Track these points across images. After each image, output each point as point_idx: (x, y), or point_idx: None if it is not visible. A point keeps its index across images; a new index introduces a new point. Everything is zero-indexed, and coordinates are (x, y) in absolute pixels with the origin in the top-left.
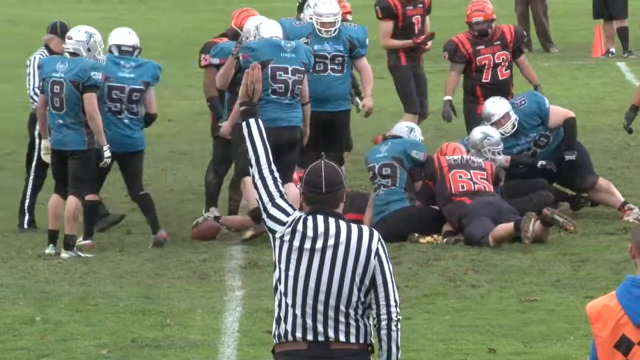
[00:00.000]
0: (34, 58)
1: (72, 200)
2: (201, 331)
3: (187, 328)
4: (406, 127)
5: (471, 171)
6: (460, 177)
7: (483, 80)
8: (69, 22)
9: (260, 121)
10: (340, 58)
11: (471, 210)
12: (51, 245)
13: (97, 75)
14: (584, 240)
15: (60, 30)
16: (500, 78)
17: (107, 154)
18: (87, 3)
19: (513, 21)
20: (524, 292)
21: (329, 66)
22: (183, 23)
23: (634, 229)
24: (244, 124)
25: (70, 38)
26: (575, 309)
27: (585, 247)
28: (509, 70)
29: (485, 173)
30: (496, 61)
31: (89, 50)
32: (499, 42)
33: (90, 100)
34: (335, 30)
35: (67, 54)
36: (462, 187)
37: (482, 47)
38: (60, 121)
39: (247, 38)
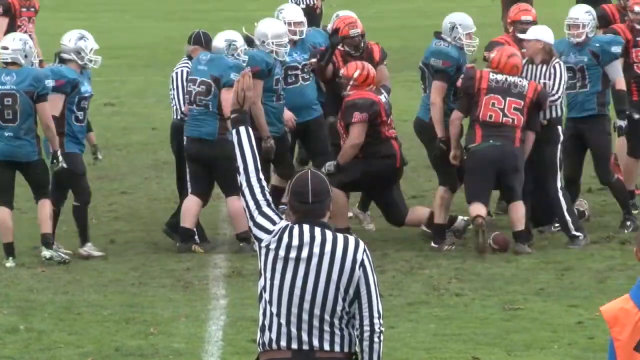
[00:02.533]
0: (180, 71)
1: (44, 203)
2: (185, 340)
3: (171, 337)
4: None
5: (507, 99)
6: (493, 104)
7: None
8: (51, 31)
9: (250, 130)
10: (309, 66)
11: (471, 162)
12: (10, 258)
13: (51, 83)
14: (568, 249)
15: (204, 40)
16: None
17: (61, 158)
18: (69, 12)
19: (499, 31)
20: (507, 300)
21: (300, 75)
22: (167, 32)
23: (638, 234)
24: (233, 131)
25: (6, 48)
26: (559, 318)
27: (568, 255)
28: None
29: (522, 102)
30: None
31: (25, 57)
32: None
33: (45, 109)
34: (300, 37)
35: (3, 65)
36: (490, 116)
37: None
38: (11, 133)
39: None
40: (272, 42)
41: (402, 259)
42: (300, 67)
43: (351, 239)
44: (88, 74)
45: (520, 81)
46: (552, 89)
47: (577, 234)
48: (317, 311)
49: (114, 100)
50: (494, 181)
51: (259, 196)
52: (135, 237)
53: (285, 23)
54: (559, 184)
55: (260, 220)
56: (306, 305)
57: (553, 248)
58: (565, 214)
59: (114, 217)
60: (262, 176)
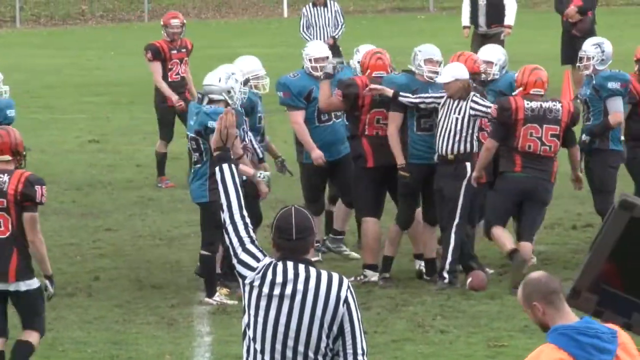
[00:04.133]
0: None
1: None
2: None
3: None
4: None
5: (544, 126)
6: (531, 134)
7: None
8: (36, 68)
9: (233, 167)
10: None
11: (504, 185)
12: None
13: (13, 113)
14: None
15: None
16: None
17: None
18: (56, 48)
19: None
20: (492, 337)
21: (333, 113)
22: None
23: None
24: (217, 169)
25: None
26: None
27: None
28: None
29: (558, 128)
30: None
31: None
32: None
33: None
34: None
35: None
36: (529, 147)
37: None
38: None
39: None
40: (251, 78)
41: (386, 296)
42: None
43: (335, 276)
44: None
45: (554, 105)
46: (460, 124)
47: (445, 275)
48: (301, 348)
49: (98, 137)
50: (517, 211)
51: (243, 233)
52: (120, 274)
53: (308, 59)
54: (455, 221)
55: (244, 257)
56: (290, 342)
57: None
58: (450, 253)
59: (98, 254)
60: (245, 213)
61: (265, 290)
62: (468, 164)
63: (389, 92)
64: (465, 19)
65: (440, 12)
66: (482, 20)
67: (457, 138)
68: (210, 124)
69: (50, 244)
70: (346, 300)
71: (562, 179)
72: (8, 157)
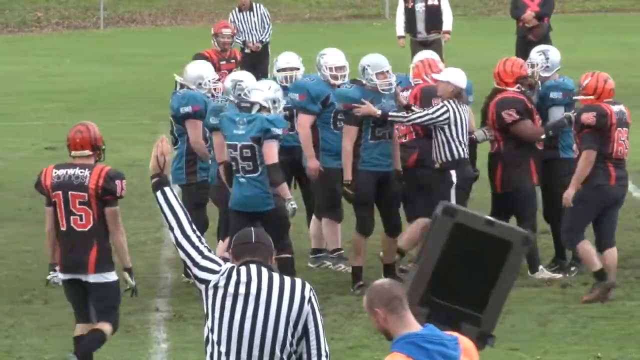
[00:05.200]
0: None
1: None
2: None
3: None
4: None
5: (624, 129)
6: (620, 138)
7: None
8: None
9: (172, 188)
10: None
11: (596, 196)
12: None
13: None
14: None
15: None
16: None
17: None
18: (12, 55)
19: None
20: None
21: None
22: (109, 76)
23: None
24: (158, 193)
25: None
26: None
27: (510, 298)
28: None
29: (627, 130)
30: None
31: None
32: None
33: None
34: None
35: None
36: (620, 151)
37: None
38: None
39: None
40: (209, 81)
41: (342, 303)
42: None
43: (298, 279)
44: None
45: (624, 108)
46: (434, 132)
47: None
48: (267, 346)
49: (54, 144)
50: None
51: (198, 244)
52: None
53: (327, 68)
54: None
55: (205, 263)
56: (257, 341)
57: None
58: None
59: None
60: (195, 228)
61: (231, 289)
62: (453, 172)
63: (377, 113)
64: (400, 29)
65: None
66: (420, 26)
67: (435, 147)
68: (273, 130)
69: (6, 251)
70: (310, 300)
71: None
72: (88, 152)
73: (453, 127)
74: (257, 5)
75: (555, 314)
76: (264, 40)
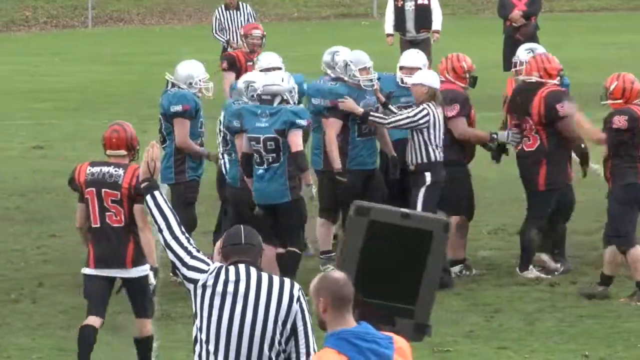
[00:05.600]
0: None
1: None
2: None
3: None
4: None
5: None
6: None
7: None
8: None
9: (162, 192)
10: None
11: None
12: None
13: None
14: (497, 291)
15: None
16: None
17: None
18: (0, 55)
19: None
20: (437, 343)
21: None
22: (97, 75)
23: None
24: (148, 197)
25: None
26: None
27: (498, 297)
28: None
29: None
30: None
31: None
32: None
33: None
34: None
35: None
36: None
37: None
38: None
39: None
40: (200, 81)
41: None
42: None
43: (287, 279)
44: None
45: None
46: (411, 134)
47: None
48: (255, 345)
49: (42, 143)
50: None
51: (187, 245)
52: (65, 280)
53: (358, 69)
54: None
55: (193, 263)
56: (245, 339)
57: (482, 290)
58: None
59: (42, 260)
60: (183, 230)
61: (219, 288)
62: (428, 174)
63: (359, 111)
64: (389, 27)
65: (384, 18)
66: (410, 25)
67: (412, 148)
68: (298, 121)
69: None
70: (299, 300)
71: (506, 184)
72: (124, 152)
73: (432, 130)
74: (244, 4)
75: (543, 313)
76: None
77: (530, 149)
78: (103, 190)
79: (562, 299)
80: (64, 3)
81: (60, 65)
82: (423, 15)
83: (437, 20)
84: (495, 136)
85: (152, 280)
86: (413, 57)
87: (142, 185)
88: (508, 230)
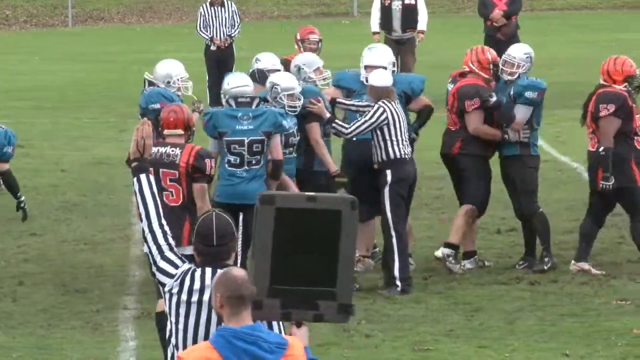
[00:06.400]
0: None
1: None
2: None
3: None
4: None
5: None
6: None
7: None
8: None
9: (150, 177)
10: None
11: None
12: None
13: None
14: (477, 290)
15: (259, 77)
16: None
17: None
18: None
19: None
20: (417, 341)
21: None
22: (77, 74)
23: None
24: (134, 180)
25: None
26: (468, 359)
27: (478, 296)
28: None
29: None
30: None
31: None
32: None
33: None
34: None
35: None
36: None
37: None
38: None
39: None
40: (178, 80)
41: None
42: None
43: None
44: None
45: None
46: (372, 133)
47: (398, 283)
48: None
49: (22, 142)
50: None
51: (161, 241)
52: (45, 279)
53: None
54: (390, 230)
55: (163, 265)
56: None
57: (462, 289)
58: (395, 261)
59: (23, 259)
60: (164, 222)
61: (184, 297)
62: (388, 172)
63: (326, 115)
64: (375, 25)
65: (364, 17)
66: (396, 24)
67: (374, 147)
68: (285, 124)
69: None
70: None
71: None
72: (181, 132)
73: (390, 128)
74: (229, 2)
75: (524, 312)
76: (232, 35)
77: (593, 150)
78: (161, 170)
79: (542, 298)
80: (44, 2)
81: (40, 64)
82: (410, 15)
83: (422, 20)
84: (507, 136)
85: None
86: (377, 55)
87: (132, 166)
88: (488, 229)
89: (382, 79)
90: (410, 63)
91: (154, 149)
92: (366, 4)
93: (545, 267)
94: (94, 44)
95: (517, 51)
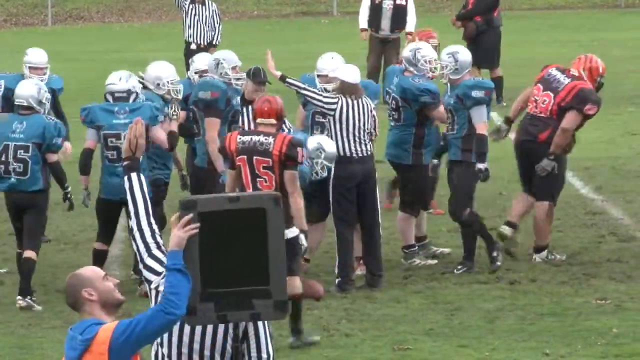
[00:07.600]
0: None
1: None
2: None
3: None
4: None
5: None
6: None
7: None
8: None
9: (142, 176)
10: None
11: None
12: None
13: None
14: (458, 289)
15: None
16: None
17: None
18: None
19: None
20: (397, 341)
21: None
22: (56, 73)
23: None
24: (125, 178)
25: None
26: (448, 358)
27: (458, 295)
28: None
29: None
30: None
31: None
32: None
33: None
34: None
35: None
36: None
37: None
38: None
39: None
40: (168, 82)
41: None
42: None
43: None
44: None
45: None
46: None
47: (336, 280)
48: (207, 352)
49: None
50: None
51: (149, 239)
52: None
53: (425, 62)
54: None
55: (149, 262)
56: (196, 346)
57: (442, 288)
58: (337, 258)
59: (3, 259)
60: (152, 220)
61: None
62: (332, 169)
63: (277, 74)
64: (363, 22)
65: (344, 16)
66: (385, 24)
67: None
68: (160, 116)
69: None
70: None
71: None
72: (274, 121)
73: (340, 124)
74: (209, 1)
75: (504, 311)
76: (215, 42)
77: None
78: (254, 157)
79: (522, 297)
80: (23, 1)
81: (20, 64)
82: (400, 15)
83: (411, 21)
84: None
85: (303, 241)
86: (327, 62)
87: (124, 164)
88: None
89: (350, 74)
90: (393, 62)
91: (247, 137)
92: (345, 3)
93: (499, 263)
94: (73, 43)
95: (443, 52)
